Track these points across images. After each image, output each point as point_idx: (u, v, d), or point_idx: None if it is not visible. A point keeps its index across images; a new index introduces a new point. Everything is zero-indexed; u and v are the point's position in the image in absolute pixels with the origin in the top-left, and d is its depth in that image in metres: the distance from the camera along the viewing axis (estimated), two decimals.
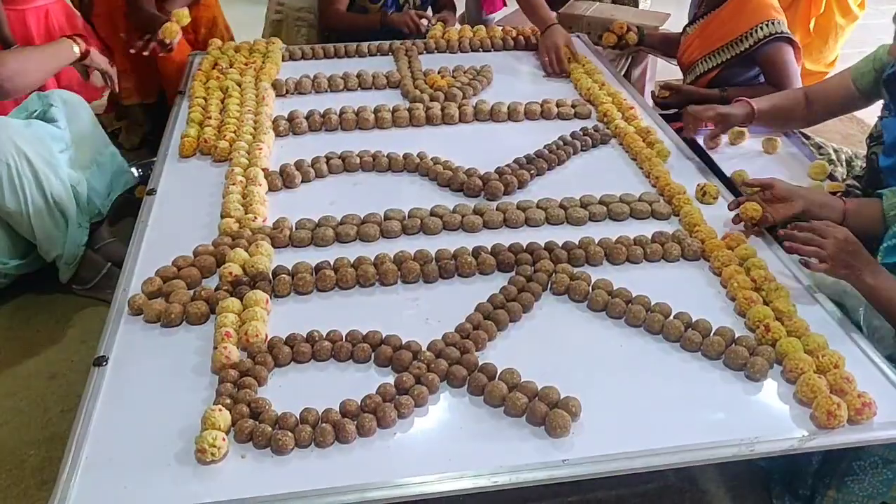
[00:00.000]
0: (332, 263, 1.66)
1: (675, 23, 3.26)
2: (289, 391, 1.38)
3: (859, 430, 1.31)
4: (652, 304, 1.56)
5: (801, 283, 1.65)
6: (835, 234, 1.57)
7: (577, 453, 1.25)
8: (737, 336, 1.48)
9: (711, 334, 1.48)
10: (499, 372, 1.38)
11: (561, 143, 2.17)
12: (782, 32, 2.48)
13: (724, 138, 2.33)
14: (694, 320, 1.51)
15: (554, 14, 2.80)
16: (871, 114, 2.17)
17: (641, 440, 1.27)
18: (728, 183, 2.08)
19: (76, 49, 2.28)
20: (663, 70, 3.62)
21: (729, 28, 2.57)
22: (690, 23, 2.80)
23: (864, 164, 2.31)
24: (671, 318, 1.52)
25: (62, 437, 1.89)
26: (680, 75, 2.90)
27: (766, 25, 2.49)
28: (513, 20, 3.35)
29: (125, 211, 2.67)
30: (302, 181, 2.02)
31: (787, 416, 1.34)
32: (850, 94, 2.04)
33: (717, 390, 1.40)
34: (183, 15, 2.68)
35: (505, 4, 3.40)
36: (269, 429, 1.26)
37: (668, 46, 3.05)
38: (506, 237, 1.77)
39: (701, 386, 1.41)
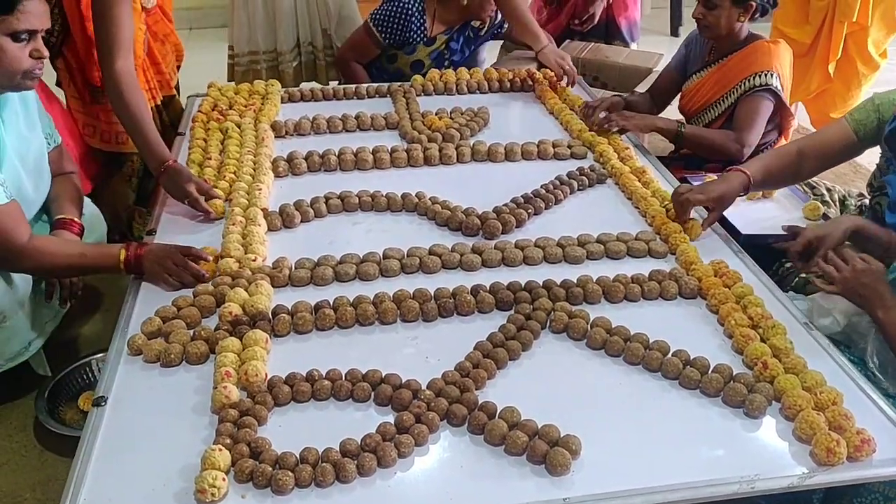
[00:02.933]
0: (331, 302, 1.67)
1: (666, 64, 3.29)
2: (289, 431, 1.38)
3: (859, 467, 1.31)
4: (650, 341, 1.56)
5: (797, 321, 1.66)
6: (854, 264, 1.59)
7: (578, 491, 1.25)
8: (735, 373, 1.48)
9: (710, 371, 1.49)
10: (499, 410, 1.38)
11: (558, 182, 2.19)
12: (770, 85, 2.47)
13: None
14: (692, 358, 1.52)
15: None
16: (864, 154, 2.18)
17: (642, 478, 1.27)
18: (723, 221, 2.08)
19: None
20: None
21: (734, 73, 2.55)
22: (698, 70, 2.72)
23: (859, 203, 2.34)
24: (669, 355, 1.52)
25: (59, 479, 1.89)
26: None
27: (762, 76, 2.47)
28: (505, 64, 3.40)
29: None
30: (301, 221, 2.03)
31: (786, 452, 1.34)
32: (851, 144, 2.00)
33: (716, 427, 1.40)
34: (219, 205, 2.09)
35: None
36: (270, 469, 1.26)
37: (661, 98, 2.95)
38: (504, 276, 1.78)
39: (700, 423, 1.41)
